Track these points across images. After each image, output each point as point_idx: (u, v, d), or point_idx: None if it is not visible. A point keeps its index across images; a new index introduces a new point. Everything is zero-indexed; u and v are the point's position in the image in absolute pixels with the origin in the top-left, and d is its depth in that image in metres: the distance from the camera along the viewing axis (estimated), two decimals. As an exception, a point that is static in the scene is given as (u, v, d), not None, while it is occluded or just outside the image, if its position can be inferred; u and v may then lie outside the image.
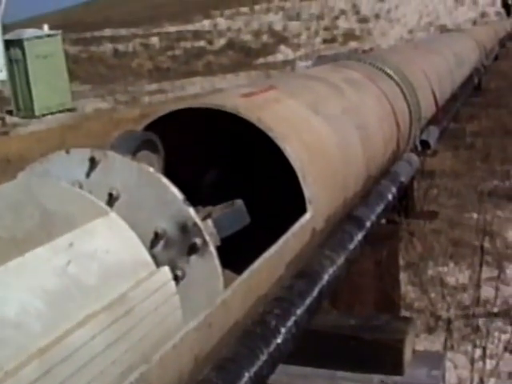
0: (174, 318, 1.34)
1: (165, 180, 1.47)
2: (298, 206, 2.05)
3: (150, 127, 2.00)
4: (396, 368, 2.68)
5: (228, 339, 1.58)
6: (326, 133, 2.43)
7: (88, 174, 1.51)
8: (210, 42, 30.78)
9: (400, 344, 2.69)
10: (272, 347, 1.71)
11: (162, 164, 1.76)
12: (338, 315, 2.92)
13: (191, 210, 1.47)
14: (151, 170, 1.47)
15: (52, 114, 17.44)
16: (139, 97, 19.60)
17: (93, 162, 1.50)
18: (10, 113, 17.84)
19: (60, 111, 17.66)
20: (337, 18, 31.71)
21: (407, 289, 4.21)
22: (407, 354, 2.72)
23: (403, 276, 4.14)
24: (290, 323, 1.82)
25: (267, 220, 2.06)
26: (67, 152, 1.54)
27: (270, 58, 27.95)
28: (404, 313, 3.74)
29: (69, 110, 17.80)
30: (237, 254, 1.72)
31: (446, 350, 3.42)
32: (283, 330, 1.78)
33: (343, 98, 2.88)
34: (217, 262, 1.50)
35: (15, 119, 17.36)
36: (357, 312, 3.07)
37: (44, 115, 17.34)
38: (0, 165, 9.77)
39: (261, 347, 1.67)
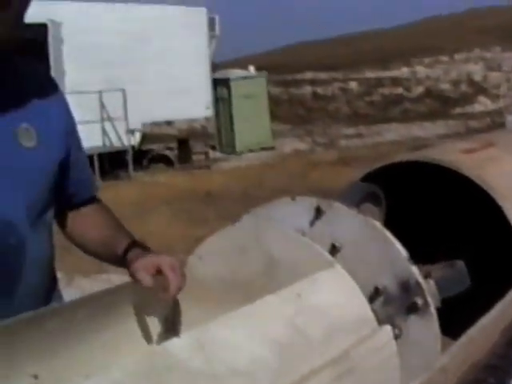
0: (392, 380, 1.30)
1: (390, 235, 1.44)
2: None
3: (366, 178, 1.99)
4: None
5: (442, 407, 1.50)
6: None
7: (312, 223, 1.51)
8: (408, 90, 30.49)
9: None
10: (487, 420, 1.60)
11: (383, 217, 1.73)
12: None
13: (415, 269, 1.43)
14: (377, 224, 1.45)
15: (252, 151, 18.07)
16: (336, 139, 19.80)
17: (318, 212, 1.51)
18: (213, 148, 18.75)
19: (260, 149, 18.26)
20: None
21: None
22: None
23: None
24: (505, 396, 1.71)
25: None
26: (293, 199, 1.56)
27: (468, 108, 27.17)
28: None
29: (268, 149, 18.35)
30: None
31: None
32: (498, 403, 1.67)
33: None
34: (436, 324, 1.44)
35: (217, 154, 18.20)
36: None
37: (244, 152, 18.02)
38: (200, 197, 10.24)
39: (476, 419, 1.57)
